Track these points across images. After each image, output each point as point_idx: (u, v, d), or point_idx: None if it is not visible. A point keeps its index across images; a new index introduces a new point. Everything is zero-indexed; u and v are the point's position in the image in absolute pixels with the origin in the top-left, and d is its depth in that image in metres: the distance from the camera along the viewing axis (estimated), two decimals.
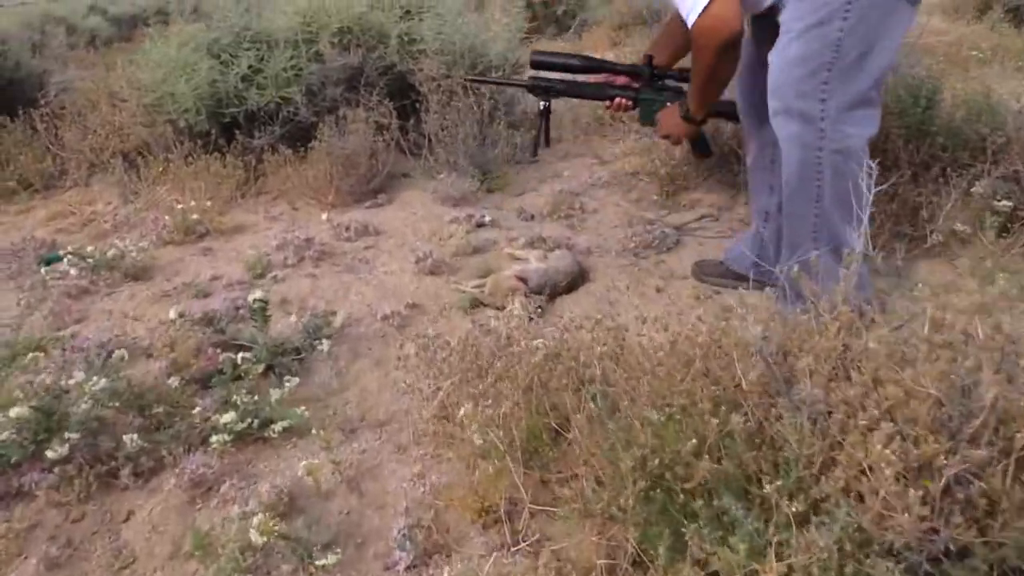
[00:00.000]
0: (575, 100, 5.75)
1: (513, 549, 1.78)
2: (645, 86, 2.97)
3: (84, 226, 4.09)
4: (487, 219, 3.68)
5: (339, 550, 1.75)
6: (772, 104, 2.40)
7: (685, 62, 2.77)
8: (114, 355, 2.31)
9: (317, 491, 1.90)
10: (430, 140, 4.31)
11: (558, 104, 5.58)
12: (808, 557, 1.27)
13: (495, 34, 4.67)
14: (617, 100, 2.96)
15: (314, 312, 2.81)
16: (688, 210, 3.80)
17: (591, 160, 4.59)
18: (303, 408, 2.15)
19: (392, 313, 2.80)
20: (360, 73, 4.42)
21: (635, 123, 5.01)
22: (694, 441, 1.49)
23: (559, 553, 1.75)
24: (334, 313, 2.78)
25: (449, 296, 3.00)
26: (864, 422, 1.33)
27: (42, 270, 3.39)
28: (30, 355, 2.37)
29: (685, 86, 2.78)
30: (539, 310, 2.81)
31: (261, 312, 2.42)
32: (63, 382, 2.07)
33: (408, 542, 1.76)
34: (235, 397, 2.14)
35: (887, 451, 1.25)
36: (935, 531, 1.25)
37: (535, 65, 3.04)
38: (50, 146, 4.75)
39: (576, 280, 3.04)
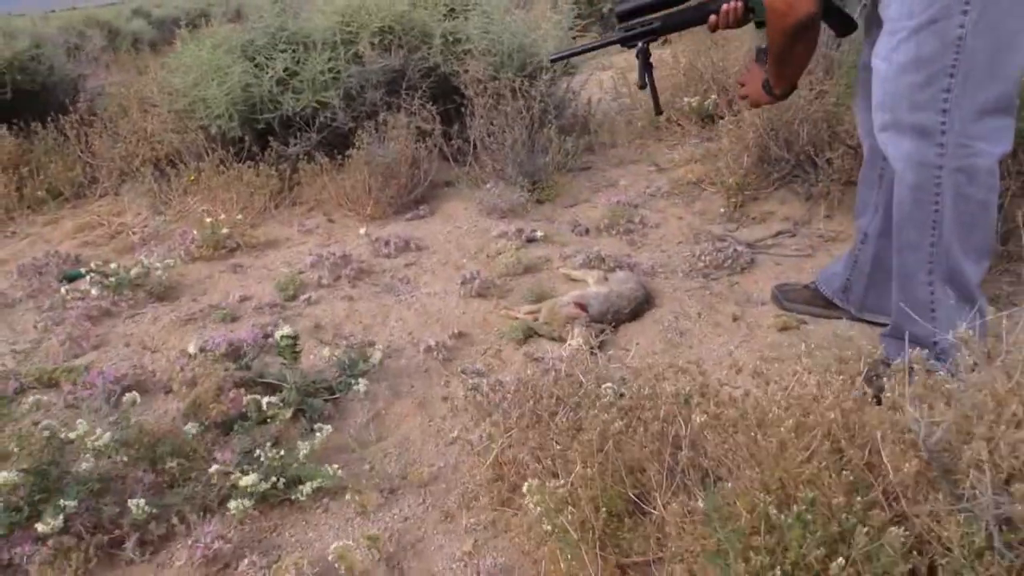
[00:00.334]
0: (628, 102, 5.47)
1: None
2: None
3: (111, 239, 3.88)
4: (538, 234, 3.38)
5: None
6: (879, 118, 2.06)
7: None
8: (125, 398, 2.04)
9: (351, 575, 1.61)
10: (475, 146, 4.03)
11: (608, 107, 5.28)
12: None
13: (544, 32, 4.36)
14: (725, 8, 2.49)
15: (350, 342, 2.53)
16: (759, 224, 3.45)
17: (648, 167, 4.26)
18: (336, 467, 1.86)
19: (437, 344, 2.50)
20: (401, 76, 4.15)
21: (692, 126, 4.68)
22: (822, 550, 1.16)
23: None
24: (372, 344, 2.49)
25: (499, 323, 2.70)
26: None
27: (63, 289, 3.16)
28: (31, 398, 2.12)
29: None
30: (601, 342, 2.49)
31: (290, 350, 2.14)
32: (63, 435, 1.80)
33: None
34: (259, 451, 1.85)
35: None
36: None
37: (622, 17, 2.65)
38: (80, 154, 4.56)
39: (641, 306, 2.72)
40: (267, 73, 4.03)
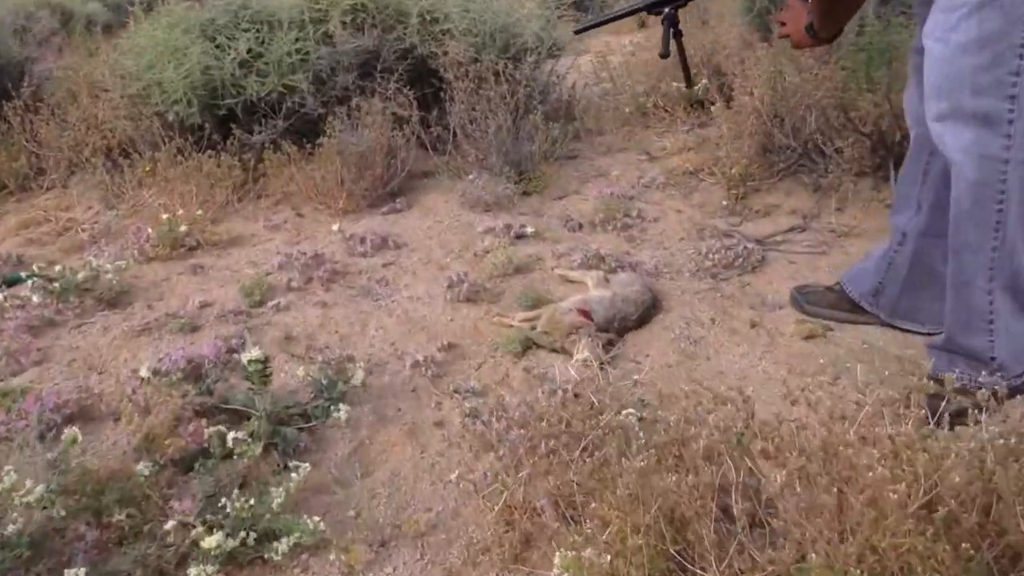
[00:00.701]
0: (610, 87, 5.19)
1: None
2: None
3: (58, 236, 3.52)
4: (528, 230, 3.11)
5: None
6: (934, 106, 1.82)
7: None
8: (66, 433, 1.74)
9: None
10: (455, 134, 3.74)
11: (592, 93, 5.01)
12: None
13: (529, 12, 4.08)
14: None
15: (326, 357, 2.24)
16: (763, 217, 3.21)
17: (638, 156, 4.01)
18: (316, 519, 1.58)
19: (425, 359, 2.23)
20: (376, 57, 3.83)
21: (681, 113, 4.43)
22: None
23: None
24: (351, 359, 2.21)
25: (492, 332, 2.43)
26: None
27: (0, 295, 2.82)
28: None
29: None
30: (610, 355, 2.24)
31: (259, 374, 1.85)
32: None
33: None
34: (224, 500, 1.57)
35: None
36: None
37: None
38: (26, 143, 4.17)
39: (648, 311, 2.47)
40: (229, 55, 3.70)
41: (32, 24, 7.82)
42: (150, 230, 3.19)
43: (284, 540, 1.52)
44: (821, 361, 2.14)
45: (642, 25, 7.66)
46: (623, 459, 1.51)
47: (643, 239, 3.04)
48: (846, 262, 2.74)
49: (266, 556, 1.53)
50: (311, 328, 2.53)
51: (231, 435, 1.74)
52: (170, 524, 1.52)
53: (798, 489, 1.27)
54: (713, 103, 4.02)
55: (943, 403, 1.53)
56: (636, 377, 2.12)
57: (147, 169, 3.75)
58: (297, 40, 3.68)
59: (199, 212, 3.33)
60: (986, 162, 1.75)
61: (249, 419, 1.90)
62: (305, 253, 2.96)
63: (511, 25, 3.94)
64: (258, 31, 3.74)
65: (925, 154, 2.14)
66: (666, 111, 4.51)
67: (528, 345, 2.31)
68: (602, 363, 2.16)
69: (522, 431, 1.75)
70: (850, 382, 2.08)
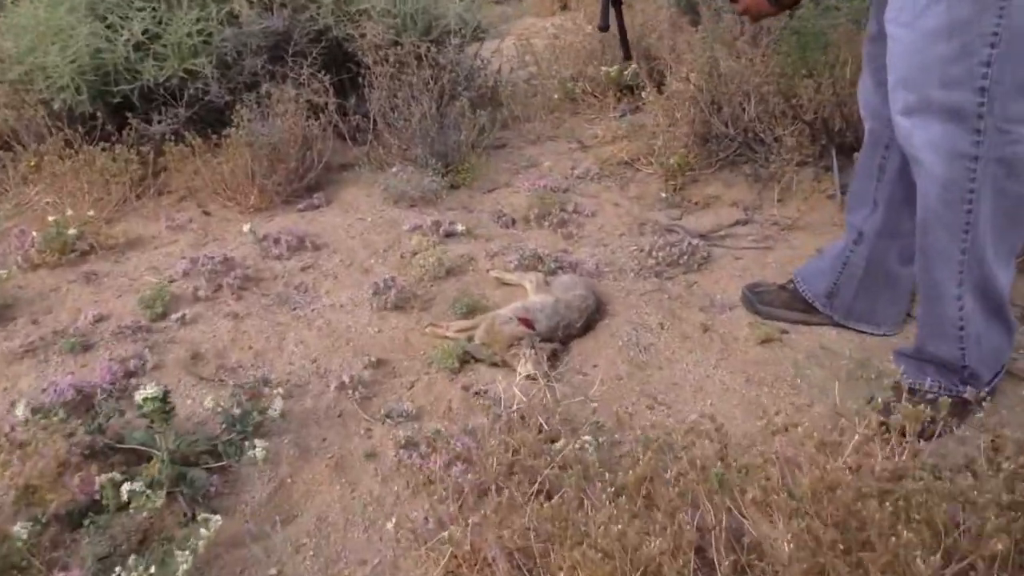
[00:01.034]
0: (535, 71, 5.00)
1: None
2: None
3: None
4: (458, 227, 2.89)
5: None
6: (901, 99, 1.69)
7: None
8: None
9: None
10: (376, 123, 3.49)
11: (518, 77, 4.80)
12: None
13: None
14: None
15: (239, 379, 1.99)
16: (703, 210, 3.08)
17: (569, 145, 3.83)
18: None
19: (351, 379, 2.00)
20: (286, 40, 3.54)
21: (610, 99, 4.27)
22: None
23: None
24: (268, 383, 1.97)
25: (425, 345, 2.22)
26: None
27: None
28: None
29: None
30: (555, 368, 2.06)
31: (159, 413, 1.60)
32: None
33: None
34: (119, 567, 1.32)
35: None
36: None
37: None
38: None
39: (593, 316, 2.29)
40: (122, 36, 3.35)
41: None
42: (35, 233, 2.84)
43: None
44: (776, 364, 2.01)
45: (564, 7, 7.49)
46: (584, 500, 1.34)
47: (581, 235, 2.87)
48: (792, 257, 2.63)
49: None
50: (221, 344, 2.27)
51: (126, 486, 1.49)
52: None
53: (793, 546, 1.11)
54: (643, 88, 3.88)
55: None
56: (587, 394, 1.94)
57: (31, 164, 3.39)
58: (199, 20, 3.36)
59: (91, 212, 3.00)
60: (955, 160, 1.62)
61: (150, 460, 1.64)
62: (213, 257, 2.68)
63: (432, 6, 3.70)
64: (154, 10, 3.40)
65: (881, 148, 2.01)
66: (595, 97, 4.35)
67: (465, 359, 2.10)
68: (548, 377, 1.98)
69: (465, 465, 1.56)
70: (811, 389, 1.97)
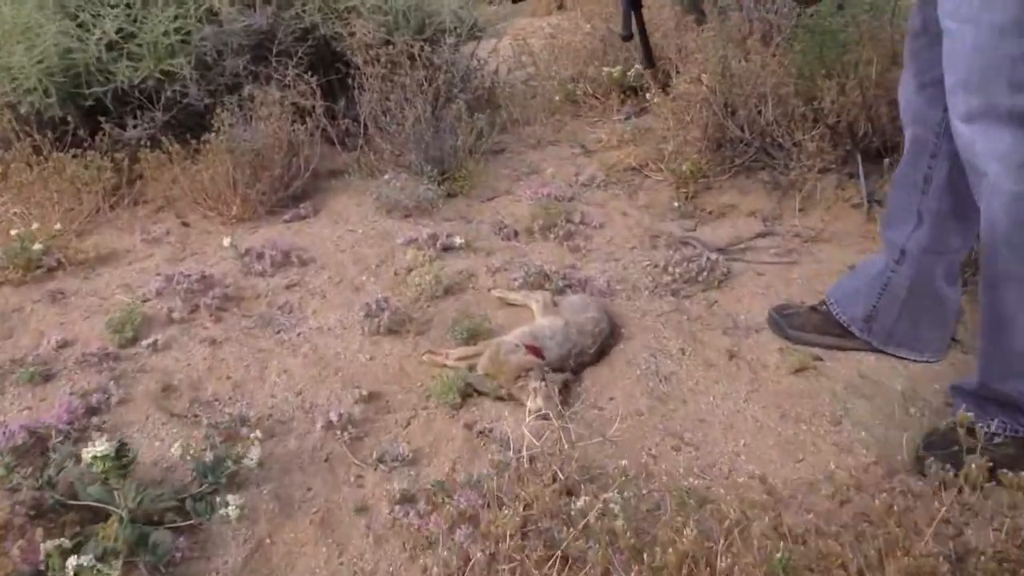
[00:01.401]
0: (533, 72, 4.79)
1: None
2: None
3: None
4: (456, 240, 2.68)
5: None
6: (962, 103, 1.49)
7: None
8: None
9: None
10: (367, 127, 3.29)
11: (516, 79, 4.58)
12: None
13: None
14: None
15: (214, 417, 1.77)
16: (719, 219, 2.87)
17: (572, 150, 3.62)
18: None
19: (340, 417, 1.79)
20: (270, 39, 3.33)
21: (615, 102, 4.06)
22: None
23: None
24: (246, 422, 1.75)
25: (422, 375, 2.00)
26: None
27: None
28: None
29: None
30: (567, 401, 1.85)
31: (115, 470, 1.38)
32: None
33: None
34: None
35: None
36: None
37: None
38: None
39: (607, 340, 2.08)
40: (94, 34, 3.13)
41: None
42: None
43: None
44: (813, 397, 1.80)
45: (560, 6, 7.29)
46: None
47: (589, 249, 2.65)
48: (819, 272, 2.43)
49: None
50: (196, 374, 2.05)
51: (72, 561, 1.27)
52: None
53: None
54: (648, 90, 3.68)
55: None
56: (605, 433, 1.73)
57: None
58: (176, 18, 3.14)
59: (58, 225, 2.77)
60: None
61: (107, 519, 1.42)
62: (190, 275, 2.47)
63: (426, 2, 3.49)
64: (128, 7, 3.18)
65: (925, 158, 1.82)
66: (596, 98, 4.14)
67: (468, 392, 1.89)
68: (561, 413, 1.76)
69: (471, 527, 1.34)
70: (854, 426, 1.77)
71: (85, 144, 3.15)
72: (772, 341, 2.09)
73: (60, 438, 1.69)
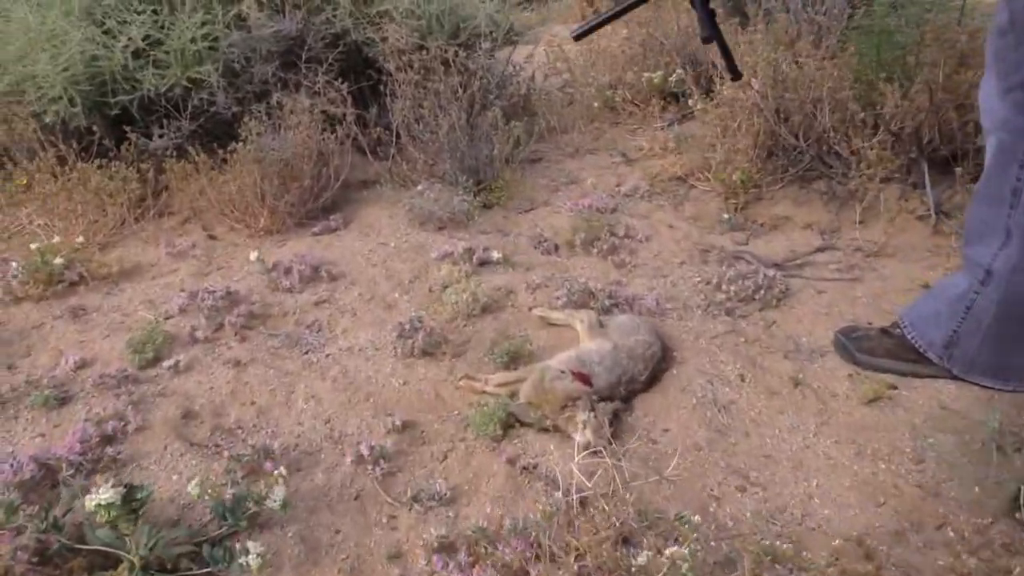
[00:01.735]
0: (569, 78, 4.64)
1: None
2: None
3: None
4: (494, 254, 2.54)
5: None
6: None
7: None
8: None
9: None
10: (399, 136, 3.17)
11: (551, 85, 4.45)
12: None
13: None
14: None
15: (236, 448, 1.64)
16: (771, 232, 2.71)
17: (612, 159, 3.46)
18: None
19: (371, 450, 1.64)
20: (300, 44, 3.23)
21: (656, 109, 3.90)
22: None
23: None
24: (270, 454, 1.62)
25: (459, 401, 1.86)
26: None
27: None
28: None
29: None
30: (617, 433, 1.69)
31: (124, 516, 1.25)
32: None
33: None
34: None
35: None
36: None
37: None
38: None
39: (659, 365, 1.92)
40: (120, 41, 3.04)
41: None
42: (14, 263, 2.52)
43: None
44: (892, 432, 1.63)
45: (595, 13, 7.14)
46: None
47: (635, 264, 2.50)
48: (885, 290, 2.25)
49: None
50: (219, 398, 1.93)
51: None
52: None
53: None
54: (691, 96, 3.52)
55: None
56: (661, 472, 1.57)
57: (22, 183, 3.08)
58: (203, 24, 3.04)
59: (80, 239, 2.67)
60: None
61: (117, 565, 1.29)
62: (215, 291, 2.35)
63: (460, 6, 3.36)
64: (156, 12, 3.09)
65: (1014, 168, 1.64)
66: (636, 105, 3.98)
67: (509, 423, 1.74)
68: (614, 452, 1.61)
69: None
70: (939, 466, 1.59)
71: (111, 154, 3.07)
72: (840, 367, 1.91)
73: (71, 471, 1.57)
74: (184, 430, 1.80)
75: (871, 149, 2.58)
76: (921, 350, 1.85)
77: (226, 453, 1.66)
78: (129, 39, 3.03)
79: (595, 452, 1.59)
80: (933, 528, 1.40)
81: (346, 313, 2.31)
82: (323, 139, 2.98)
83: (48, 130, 3.09)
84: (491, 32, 3.39)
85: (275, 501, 1.41)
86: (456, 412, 1.82)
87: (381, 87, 3.22)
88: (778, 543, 1.33)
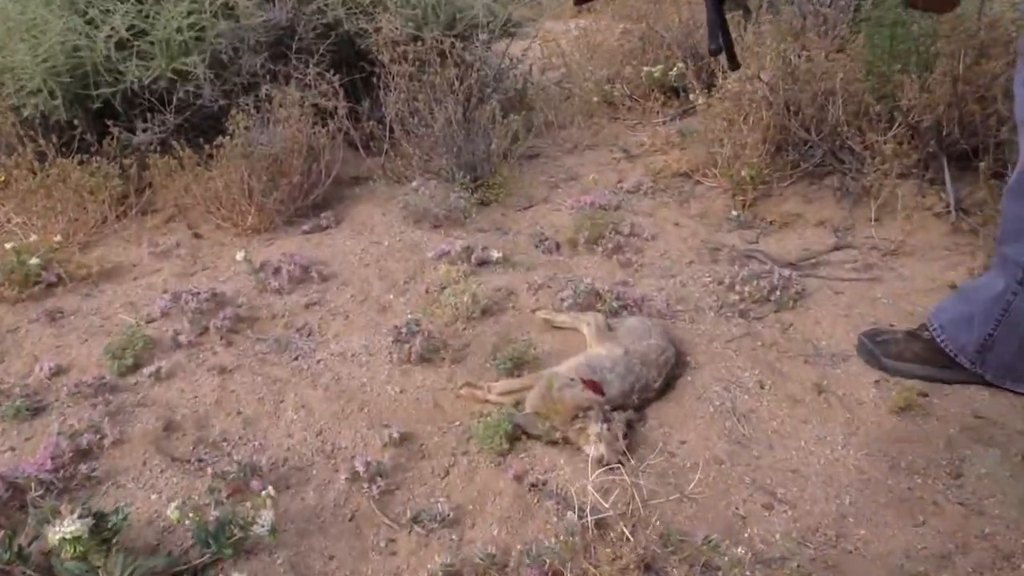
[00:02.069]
0: (565, 72, 4.53)
1: None
2: None
3: None
4: (493, 253, 2.42)
5: None
6: None
7: None
8: None
9: None
10: (393, 130, 3.05)
11: (547, 80, 4.33)
12: None
13: None
14: None
15: (220, 465, 1.52)
16: (781, 229, 2.60)
17: (613, 154, 3.35)
18: None
19: (367, 466, 1.52)
20: (290, 35, 3.11)
21: (656, 103, 3.79)
22: None
23: None
24: (257, 471, 1.49)
25: (461, 411, 1.74)
26: None
27: None
28: None
29: None
30: (631, 446, 1.57)
31: (95, 546, 1.12)
32: None
33: None
34: None
35: None
36: None
37: None
38: None
39: (673, 371, 1.81)
40: (103, 32, 2.91)
41: None
42: None
43: None
44: (924, 444, 1.52)
45: (589, 9, 7.01)
46: None
47: (642, 263, 2.38)
48: (906, 290, 2.14)
49: None
50: (203, 408, 1.80)
51: None
52: None
53: None
54: (692, 90, 3.41)
55: None
56: (682, 489, 1.45)
57: (0, 179, 2.94)
58: (190, 13, 2.92)
59: (58, 237, 2.54)
60: None
61: None
62: (199, 292, 2.23)
63: None
64: (140, 2, 2.96)
65: None
66: (635, 100, 3.88)
67: (516, 435, 1.61)
68: (631, 467, 1.49)
69: None
70: (979, 481, 1.48)
71: (92, 149, 2.94)
72: (865, 372, 1.80)
73: (40, 491, 1.44)
74: (165, 443, 1.68)
75: (886, 143, 2.47)
76: (952, 355, 1.74)
77: (210, 469, 1.54)
78: (112, 29, 2.90)
79: (611, 468, 1.47)
80: (980, 550, 1.28)
81: (338, 316, 2.18)
82: (314, 133, 2.86)
83: (27, 124, 2.97)
84: (488, 23, 3.27)
85: (263, 527, 1.28)
86: (457, 423, 1.70)
87: (374, 79, 3.10)
88: (813, 569, 1.22)
